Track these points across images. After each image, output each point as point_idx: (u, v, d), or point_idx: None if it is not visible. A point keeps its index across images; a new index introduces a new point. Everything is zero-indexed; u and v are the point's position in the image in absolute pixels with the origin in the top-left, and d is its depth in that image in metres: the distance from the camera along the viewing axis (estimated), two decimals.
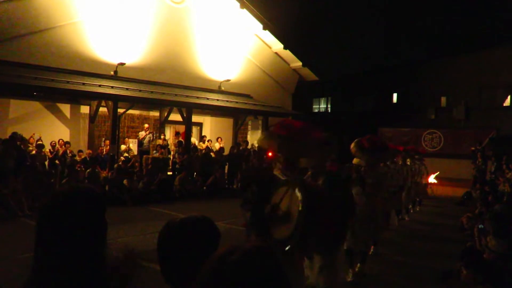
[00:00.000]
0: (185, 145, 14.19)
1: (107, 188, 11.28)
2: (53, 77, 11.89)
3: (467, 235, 7.97)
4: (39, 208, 1.45)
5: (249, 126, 18.54)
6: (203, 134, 16.97)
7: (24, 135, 11.46)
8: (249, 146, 16.27)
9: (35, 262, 1.38)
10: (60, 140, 12.93)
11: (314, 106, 30.20)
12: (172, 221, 1.48)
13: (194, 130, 16.68)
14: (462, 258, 4.23)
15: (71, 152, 12.71)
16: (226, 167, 14.99)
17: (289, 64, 19.54)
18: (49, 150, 12.42)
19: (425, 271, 6.23)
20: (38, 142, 11.99)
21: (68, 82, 12.03)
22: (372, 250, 6.71)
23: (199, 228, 1.45)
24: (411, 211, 11.03)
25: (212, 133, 17.24)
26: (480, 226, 6.07)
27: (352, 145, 5.85)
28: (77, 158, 12.44)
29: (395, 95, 26.32)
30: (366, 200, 5.52)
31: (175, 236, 1.43)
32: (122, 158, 13.04)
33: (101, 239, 1.42)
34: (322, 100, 29.99)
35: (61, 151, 12.54)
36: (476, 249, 5.18)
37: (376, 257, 6.76)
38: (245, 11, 17.27)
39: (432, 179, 15.07)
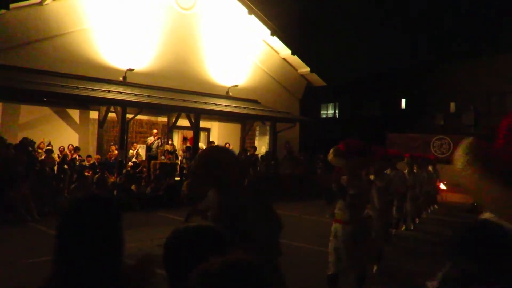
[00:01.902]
0: (193, 151, 14.22)
1: (115, 193, 11.32)
2: (62, 83, 12.00)
3: None
4: (59, 215, 1.48)
5: (257, 132, 18.54)
6: (210, 140, 16.99)
7: (34, 140, 11.58)
8: (257, 152, 16.27)
9: (54, 268, 1.40)
10: (70, 145, 13.02)
11: (322, 112, 30.17)
12: (177, 229, 1.48)
13: (202, 135, 16.72)
14: None
15: (80, 157, 12.80)
16: None
17: (296, 70, 19.54)
18: (58, 155, 12.52)
19: (440, 265, 6.16)
20: (47, 147, 12.10)
21: (77, 87, 12.13)
22: (375, 268, 6.20)
23: (205, 236, 1.45)
24: (417, 221, 10.60)
25: (219, 138, 17.26)
26: None
27: (330, 153, 4.99)
28: (86, 163, 12.52)
29: (403, 101, 26.22)
30: (350, 214, 4.73)
31: (180, 244, 1.43)
32: (130, 163, 13.09)
33: (118, 246, 1.45)
34: (330, 106, 29.95)
35: (69, 156, 12.63)
36: None
37: (382, 276, 6.17)
38: (253, 17, 17.34)
39: (442, 185, 14.98)
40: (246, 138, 17.75)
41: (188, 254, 1.40)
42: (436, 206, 13.52)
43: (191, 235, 1.44)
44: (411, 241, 8.79)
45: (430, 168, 12.61)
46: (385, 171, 8.18)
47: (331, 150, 4.96)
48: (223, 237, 1.48)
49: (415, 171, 10.01)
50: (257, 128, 18.31)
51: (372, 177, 6.30)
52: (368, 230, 5.19)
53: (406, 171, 9.54)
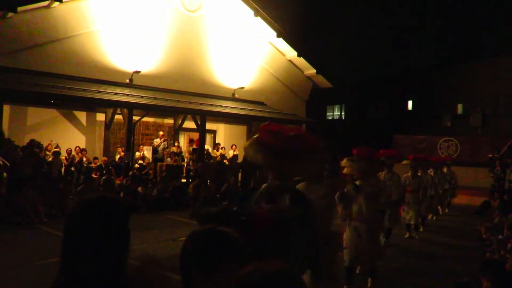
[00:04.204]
0: (199, 153, 14.23)
1: (121, 195, 11.35)
2: (70, 85, 12.07)
3: (485, 245, 7.81)
4: (66, 216, 1.48)
5: None
6: (216, 142, 17.01)
7: (41, 142, 11.65)
8: None
9: (60, 270, 1.41)
10: (77, 147, 13.09)
11: (328, 113, 30.13)
12: (196, 231, 1.47)
13: (208, 137, 16.74)
14: (483, 270, 4.13)
15: (87, 159, 12.86)
16: (240, 174, 14.99)
17: (303, 72, 19.52)
18: (65, 157, 12.58)
19: (441, 282, 6.10)
20: (55, 149, 12.16)
21: (84, 90, 12.20)
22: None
23: (224, 240, 1.43)
24: (420, 230, 9.71)
25: (225, 140, 17.27)
26: (499, 237, 5.93)
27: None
28: (93, 165, 12.57)
29: (410, 102, 26.11)
30: (368, 211, 5.07)
31: (199, 247, 1.42)
32: (136, 165, 13.13)
33: (124, 248, 1.45)
34: (336, 107, 29.91)
35: (77, 158, 12.69)
36: (496, 260, 5.06)
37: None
38: (259, 19, 17.35)
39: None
40: None
41: (204, 258, 1.39)
42: (446, 210, 13.11)
43: (208, 239, 1.43)
44: (408, 254, 7.87)
45: (444, 169, 12.32)
46: (378, 174, 7.41)
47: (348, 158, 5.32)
48: (239, 241, 1.46)
49: (419, 174, 9.38)
50: None
51: (358, 182, 5.41)
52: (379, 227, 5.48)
53: (409, 174, 9.10)
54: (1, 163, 8.81)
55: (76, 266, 1.37)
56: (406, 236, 8.96)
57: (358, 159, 5.31)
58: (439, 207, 12.19)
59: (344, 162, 5.36)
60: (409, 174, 9.11)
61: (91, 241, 1.37)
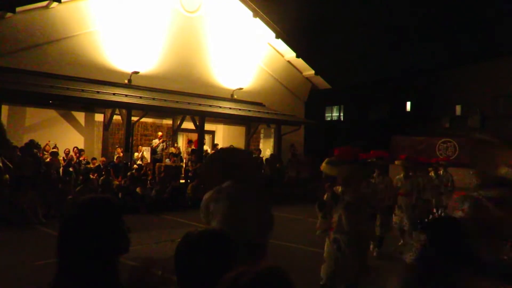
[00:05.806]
0: (197, 153, 14.22)
1: (120, 195, 11.33)
2: (68, 86, 12.06)
3: None
4: (60, 217, 1.49)
5: (262, 135, 18.53)
6: (215, 142, 17.00)
7: (40, 143, 11.62)
8: (262, 155, 16.26)
9: (57, 271, 1.42)
10: (75, 148, 13.06)
11: (326, 115, 30.12)
12: (190, 233, 1.47)
13: (207, 138, 16.73)
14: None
15: (85, 159, 12.84)
16: None
17: (301, 73, 19.53)
18: (63, 157, 12.56)
19: None
20: (53, 150, 12.14)
21: (83, 90, 12.19)
22: None
23: (217, 241, 1.44)
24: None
25: (224, 141, 17.26)
26: None
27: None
28: (91, 165, 12.55)
29: (408, 104, 26.12)
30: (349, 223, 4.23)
31: (193, 249, 1.42)
32: (135, 166, 13.12)
33: (117, 248, 1.45)
34: (335, 109, 29.90)
35: (75, 159, 12.67)
36: None
37: None
38: (258, 20, 17.35)
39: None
40: (251, 140, 17.73)
41: (199, 259, 1.39)
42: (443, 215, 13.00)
43: (202, 240, 1.43)
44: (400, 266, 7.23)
45: (440, 171, 12.02)
46: (371, 177, 6.93)
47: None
48: (233, 242, 1.47)
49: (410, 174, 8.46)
50: (262, 131, 18.30)
51: (339, 188, 4.54)
52: (365, 240, 4.50)
53: (401, 175, 8.24)
54: (1, 165, 8.79)
55: (71, 266, 1.39)
56: (400, 243, 8.10)
57: (340, 162, 4.41)
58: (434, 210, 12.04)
59: (323, 166, 4.49)
60: (401, 175, 8.28)
61: (83, 241, 1.39)
